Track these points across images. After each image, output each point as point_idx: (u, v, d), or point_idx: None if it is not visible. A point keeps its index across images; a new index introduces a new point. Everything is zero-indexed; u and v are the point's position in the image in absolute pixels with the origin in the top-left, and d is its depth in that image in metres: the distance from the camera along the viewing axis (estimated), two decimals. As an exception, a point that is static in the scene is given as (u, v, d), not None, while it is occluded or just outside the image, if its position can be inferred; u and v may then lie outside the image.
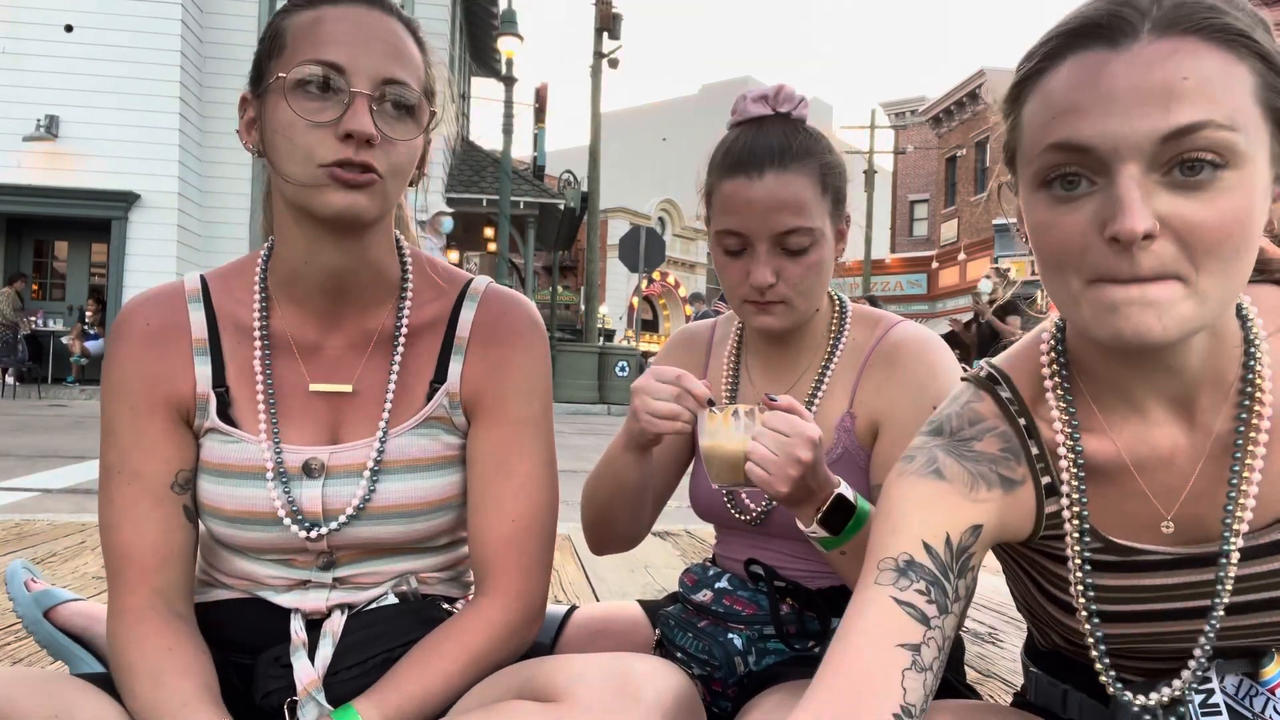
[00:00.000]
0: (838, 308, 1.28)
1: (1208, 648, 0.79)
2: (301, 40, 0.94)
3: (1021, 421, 0.84)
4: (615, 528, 1.29)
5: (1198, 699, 0.79)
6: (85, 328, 13.16)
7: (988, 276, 8.06)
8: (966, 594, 0.81)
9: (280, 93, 0.93)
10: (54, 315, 13.84)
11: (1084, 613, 0.82)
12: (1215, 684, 0.80)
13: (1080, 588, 0.81)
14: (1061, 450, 0.82)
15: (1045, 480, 0.83)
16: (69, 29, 12.94)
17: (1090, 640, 0.82)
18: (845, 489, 1.03)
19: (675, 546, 3.30)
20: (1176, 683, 0.80)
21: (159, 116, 12.97)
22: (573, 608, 1.42)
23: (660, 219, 28.14)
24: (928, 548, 0.78)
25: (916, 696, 0.73)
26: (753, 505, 1.23)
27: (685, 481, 1.38)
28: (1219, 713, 0.78)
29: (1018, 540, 0.85)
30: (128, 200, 13.00)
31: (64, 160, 12.88)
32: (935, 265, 29.31)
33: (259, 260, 1.07)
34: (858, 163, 25.78)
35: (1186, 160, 0.65)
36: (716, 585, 1.23)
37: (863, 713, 0.71)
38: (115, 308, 12.98)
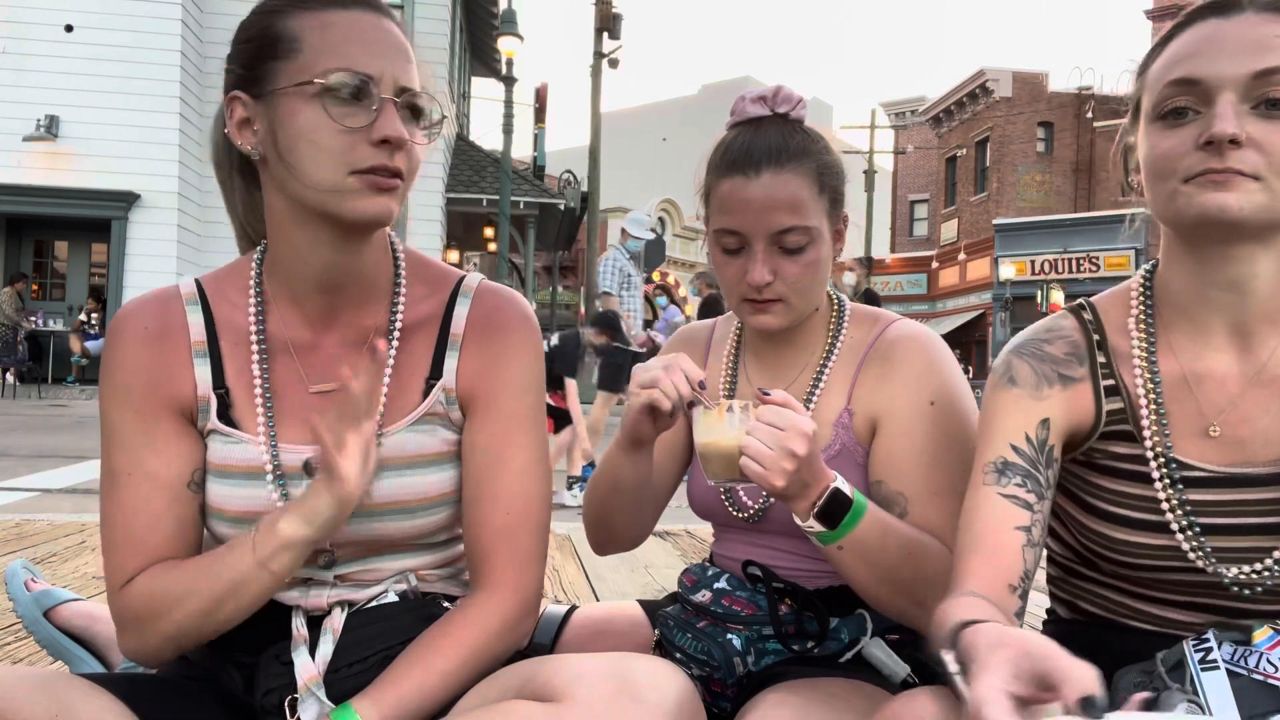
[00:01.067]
0: (836, 307, 1.28)
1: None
2: (319, 46, 0.94)
3: (1095, 337, 1.03)
4: (614, 528, 1.30)
5: (1197, 657, 0.85)
6: (85, 328, 13.16)
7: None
8: (1055, 483, 1.01)
9: (302, 97, 0.93)
10: (54, 315, 13.84)
11: (1165, 495, 0.96)
12: (1214, 644, 0.86)
13: (1165, 481, 0.96)
14: (1136, 357, 1.00)
15: (1108, 383, 1.01)
16: (69, 29, 12.94)
17: (1173, 519, 0.95)
18: (841, 483, 1.03)
19: (675, 546, 3.30)
20: (1270, 560, 0.93)
21: (159, 116, 12.96)
22: (573, 608, 1.42)
23: (660, 219, 28.14)
24: (1015, 448, 0.99)
25: (1031, 564, 0.96)
26: (750, 502, 1.24)
27: (680, 485, 1.39)
28: (1217, 667, 0.84)
29: (1082, 433, 1.01)
30: (128, 200, 13.00)
31: (64, 160, 12.87)
32: (935, 265, 29.30)
33: (253, 263, 1.08)
34: (858, 163, 25.79)
35: (1271, 97, 0.87)
36: (715, 586, 1.23)
37: (1002, 576, 0.93)
38: (115, 308, 12.98)
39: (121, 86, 12.81)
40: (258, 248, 1.09)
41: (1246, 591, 0.94)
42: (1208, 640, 0.87)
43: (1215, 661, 0.84)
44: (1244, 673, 0.84)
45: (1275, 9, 0.90)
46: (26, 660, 1.83)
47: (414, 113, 0.98)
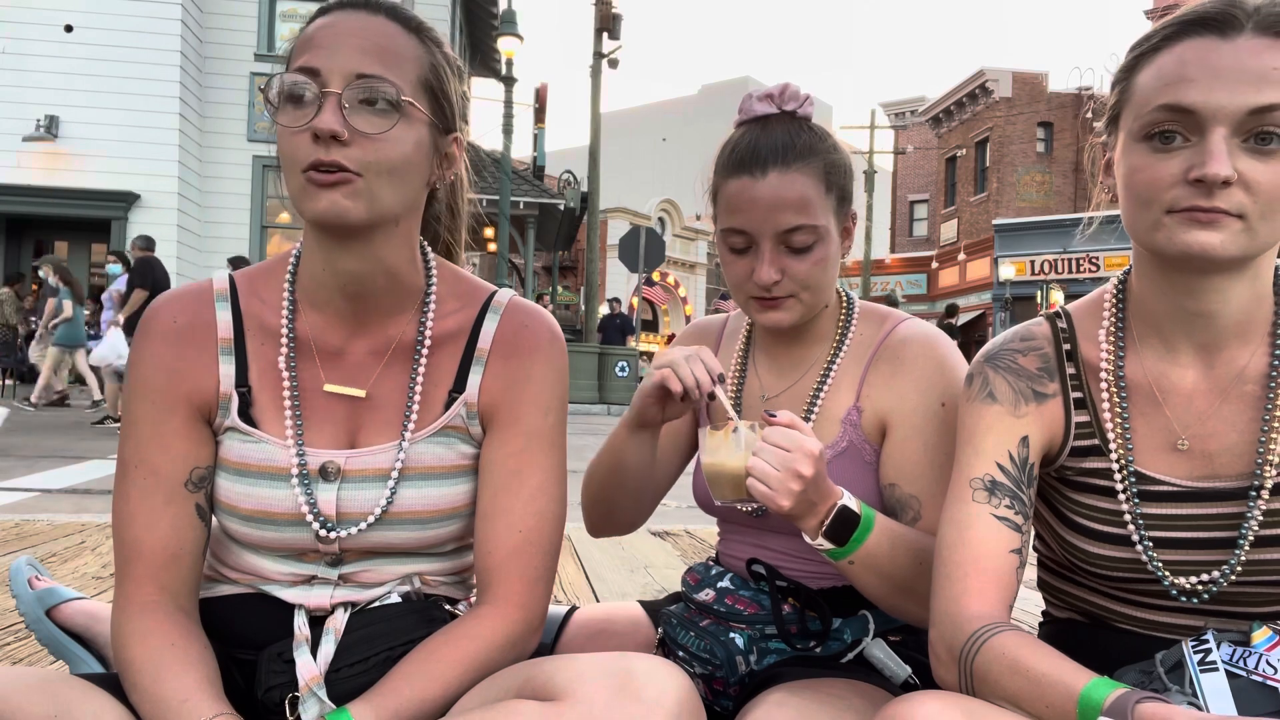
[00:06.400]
0: (844, 304, 1.28)
1: (1242, 550, 0.92)
2: (298, 52, 0.97)
3: (1066, 347, 1.03)
4: (613, 510, 1.30)
5: (1196, 658, 0.85)
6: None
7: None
8: (1034, 501, 1.03)
9: (275, 100, 0.96)
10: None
11: (1128, 508, 0.96)
12: (1213, 645, 0.86)
13: (1127, 493, 0.96)
14: (1103, 370, 1.00)
15: (1076, 395, 1.01)
16: (69, 29, 12.93)
17: (1133, 531, 0.96)
18: (848, 499, 1.03)
19: (675, 547, 3.30)
20: (1216, 573, 0.93)
21: (159, 116, 12.97)
22: (573, 608, 1.42)
23: (660, 219, 28.12)
24: (1000, 467, 0.99)
25: (1019, 583, 0.98)
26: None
27: (687, 478, 1.38)
28: (1216, 669, 0.84)
29: (1054, 448, 1.02)
30: (128, 200, 12.99)
31: (64, 160, 12.87)
32: (935, 265, 29.29)
33: (289, 263, 1.08)
34: (858, 163, 25.72)
35: (1263, 132, 0.84)
36: (719, 584, 1.23)
37: (1004, 599, 0.95)
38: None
39: (121, 86, 12.81)
40: (295, 246, 1.10)
41: (1194, 601, 0.95)
42: (1206, 641, 0.87)
43: (1214, 663, 0.85)
44: (1243, 674, 0.84)
45: (1273, 31, 0.86)
46: (26, 660, 1.83)
47: (387, 104, 0.95)
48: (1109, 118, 0.98)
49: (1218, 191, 0.85)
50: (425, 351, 1.06)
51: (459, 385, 1.07)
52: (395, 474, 1.03)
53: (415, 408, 1.05)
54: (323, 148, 0.92)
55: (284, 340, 1.04)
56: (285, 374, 1.03)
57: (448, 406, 1.06)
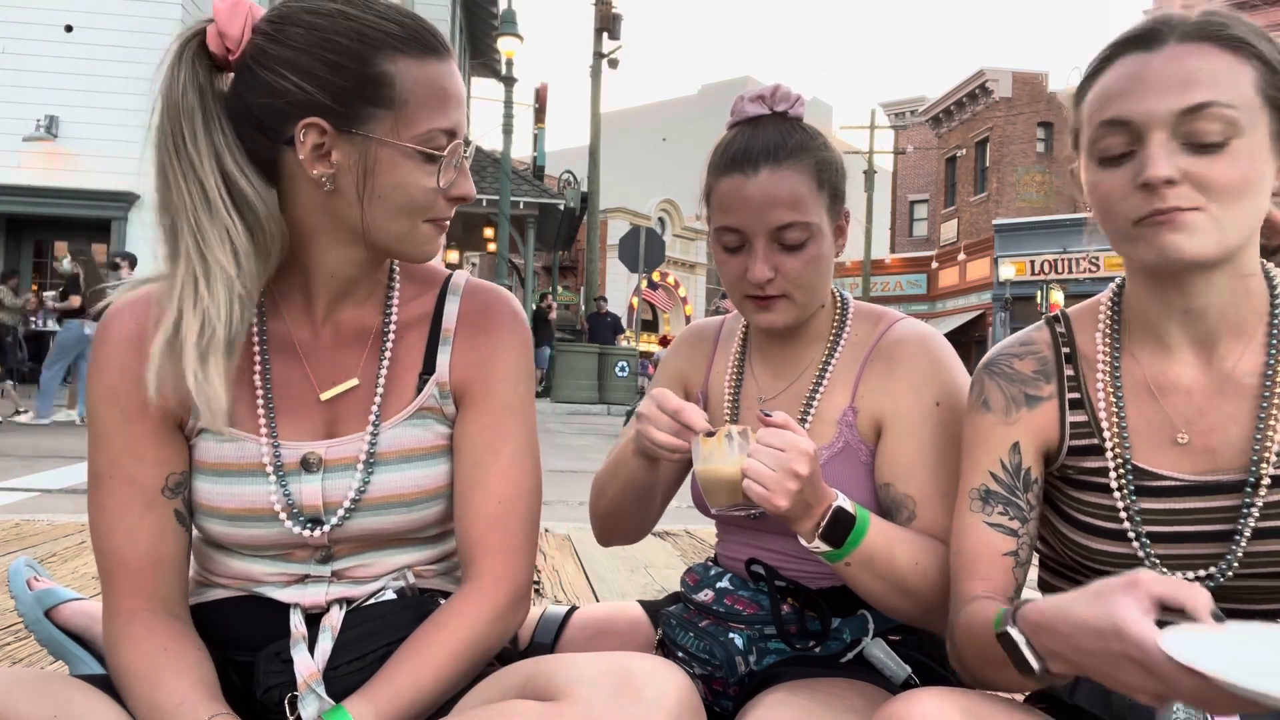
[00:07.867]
0: (839, 304, 1.28)
1: (1240, 543, 0.93)
2: (421, 101, 0.95)
3: (1065, 349, 1.05)
4: (623, 521, 1.31)
5: None
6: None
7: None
8: (1039, 502, 1.05)
9: (403, 152, 0.95)
10: (53, 315, 13.81)
11: (1123, 504, 0.98)
12: None
13: (1122, 488, 0.98)
14: (1099, 368, 1.02)
15: (1074, 396, 1.03)
16: (69, 29, 12.94)
17: (1129, 526, 0.97)
18: (843, 500, 1.04)
19: (675, 547, 3.30)
20: (1214, 568, 0.94)
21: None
22: (573, 608, 1.42)
23: (660, 219, 28.13)
24: (994, 476, 1.03)
25: (1022, 580, 1.02)
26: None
27: (686, 479, 1.39)
28: None
29: (1053, 449, 1.04)
30: (128, 200, 12.99)
31: (64, 160, 12.87)
32: (935, 265, 29.28)
33: None
34: (858, 163, 25.77)
35: (1199, 142, 0.88)
36: (718, 585, 1.23)
37: (1001, 594, 0.99)
38: (115, 308, 12.99)
39: (121, 86, 12.79)
40: None
41: None
42: None
43: None
44: None
45: (1198, 37, 0.90)
46: (26, 660, 1.83)
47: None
48: (1073, 141, 1.02)
49: (1167, 192, 0.88)
50: (392, 337, 1.08)
51: (429, 367, 1.08)
52: (365, 456, 1.03)
53: (380, 389, 1.05)
54: (454, 206, 1.03)
55: (255, 335, 1.04)
56: (258, 369, 1.03)
57: (420, 389, 1.07)
